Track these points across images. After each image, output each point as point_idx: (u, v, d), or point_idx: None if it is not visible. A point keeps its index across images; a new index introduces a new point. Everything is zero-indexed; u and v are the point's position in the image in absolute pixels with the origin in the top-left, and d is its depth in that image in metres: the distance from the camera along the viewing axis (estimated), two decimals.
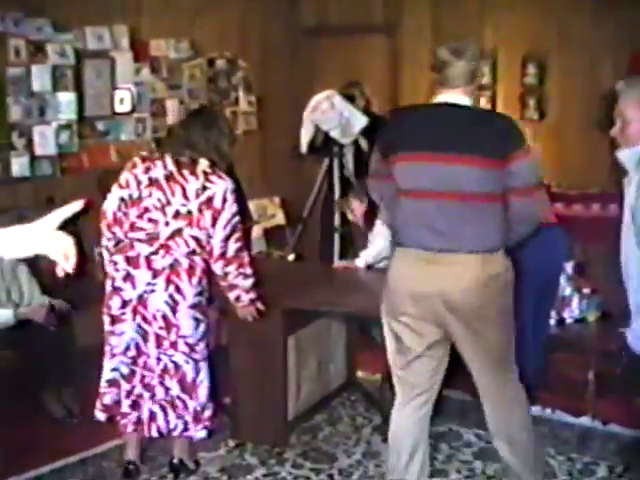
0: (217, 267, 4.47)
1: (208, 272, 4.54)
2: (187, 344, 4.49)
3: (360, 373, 6.13)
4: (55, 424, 5.41)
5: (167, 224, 4.39)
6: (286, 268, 6.60)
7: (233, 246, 4.42)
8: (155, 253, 4.40)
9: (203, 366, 4.60)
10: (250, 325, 4.82)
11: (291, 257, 7.36)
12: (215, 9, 7.98)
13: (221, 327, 5.86)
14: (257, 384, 5.16)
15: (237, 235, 4.45)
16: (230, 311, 4.85)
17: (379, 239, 5.79)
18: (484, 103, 7.98)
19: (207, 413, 4.66)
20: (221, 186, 4.39)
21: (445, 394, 4.97)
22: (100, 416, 4.69)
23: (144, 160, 4.52)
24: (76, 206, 2.14)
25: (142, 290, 4.42)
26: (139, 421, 4.66)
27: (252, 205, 7.99)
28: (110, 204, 4.48)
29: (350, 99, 7.13)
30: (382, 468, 4.92)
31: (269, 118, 8.66)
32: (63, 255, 2.11)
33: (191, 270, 4.43)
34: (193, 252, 4.42)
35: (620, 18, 7.41)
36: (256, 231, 7.93)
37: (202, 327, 4.55)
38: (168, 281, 4.40)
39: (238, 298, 4.60)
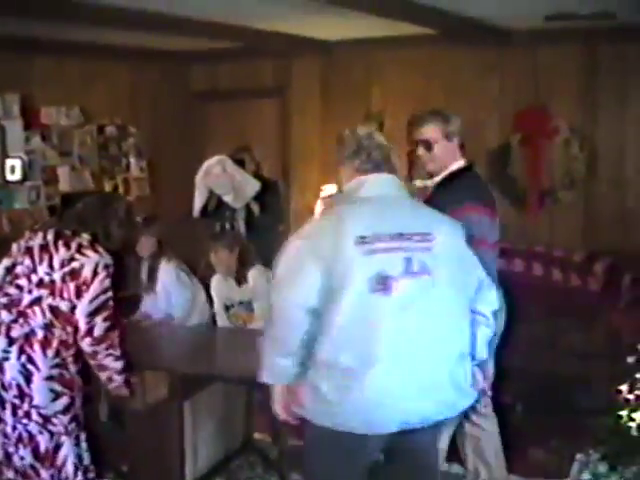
0: (84, 344, 4.32)
1: (74, 345, 4.36)
2: (40, 415, 4.30)
3: (257, 435, 6.15)
4: None
5: (30, 292, 4.31)
6: (180, 333, 6.60)
7: (101, 325, 4.29)
8: (15, 321, 4.31)
9: (65, 441, 4.37)
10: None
11: None
12: (105, 75, 8.03)
13: None
14: (154, 450, 5.15)
15: (106, 313, 4.32)
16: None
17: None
18: None
19: None
20: (93, 259, 4.29)
21: None
22: None
23: (32, 231, 4.52)
24: None
25: None
26: None
27: None
28: None
29: (240, 164, 7.25)
30: None
31: (161, 183, 8.70)
32: None
33: (46, 341, 4.28)
34: (50, 323, 4.28)
35: (504, 79, 7.68)
36: None
37: (63, 400, 4.33)
38: (21, 351, 4.27)
39: (110, 379, 4.48)
